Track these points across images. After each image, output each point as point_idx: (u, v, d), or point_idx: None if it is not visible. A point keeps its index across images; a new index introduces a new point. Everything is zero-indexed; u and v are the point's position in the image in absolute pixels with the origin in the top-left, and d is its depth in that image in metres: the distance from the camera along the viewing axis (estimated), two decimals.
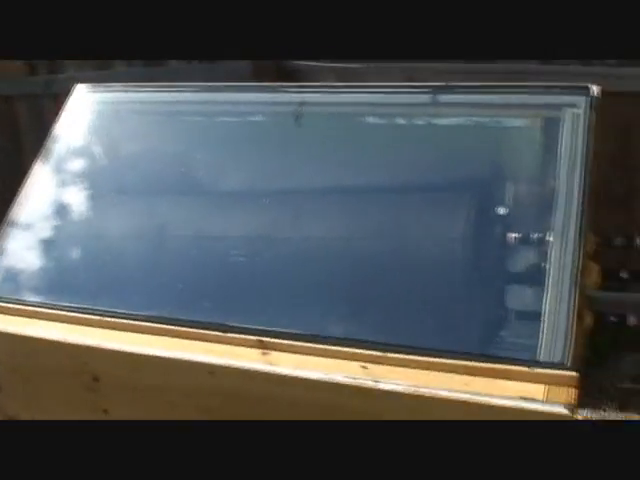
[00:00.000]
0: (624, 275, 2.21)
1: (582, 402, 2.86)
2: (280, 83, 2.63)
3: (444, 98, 2.23)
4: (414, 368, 1.76)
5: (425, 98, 2.26)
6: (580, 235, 1.82)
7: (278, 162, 2.30)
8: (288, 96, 2.41)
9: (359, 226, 2.11)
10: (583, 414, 2.88)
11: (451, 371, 1.73)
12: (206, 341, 1.92)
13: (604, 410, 2.89)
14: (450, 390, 1.66)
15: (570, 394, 1.63)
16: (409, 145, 2.27)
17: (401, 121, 2.32)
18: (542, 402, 1.61)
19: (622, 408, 2.91)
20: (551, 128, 2.07)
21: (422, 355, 1.76)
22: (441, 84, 2.21)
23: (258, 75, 3.26)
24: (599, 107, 2.12)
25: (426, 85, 2.25)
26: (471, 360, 1.74)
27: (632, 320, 2.18)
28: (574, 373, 1.65)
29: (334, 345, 1.81)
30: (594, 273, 2.15)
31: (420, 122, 2.30)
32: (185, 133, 2.46)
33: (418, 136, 2.27)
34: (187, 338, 1.94)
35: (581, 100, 2.02)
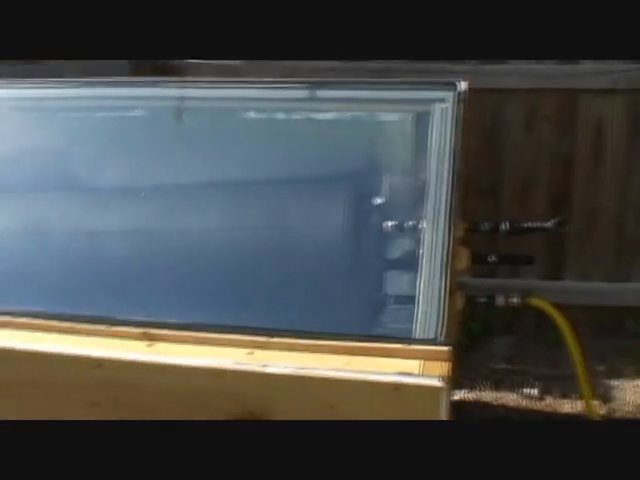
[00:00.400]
0: (492, 258, 2.34)
1: (459, 383, 3.06)
2: (160, 78, 2.63)
3: (321, 93, 2.30)
4: (299, 351, 1.82)
5: (303, 93, 2.33)
6: (449, 222, 1.93)
7: (158, 156, 2.32)
8: (168, 91, 2.42)
9: (241, 218, 2.17)
10: (460, 394, 3.03)
11: (333, 352, 1.80)
12: (92, 335, 1.92)
13: (480, 390, 3.05)
14: (334, 370, 1.73)
15: (444, 367, 1.72)
16: (288, 139, 2.33)
17: (280, 116, 2.39)
18: (418, 376, 1.70)
19: (496, 387, 3.07)
20: (422, 122, 2.18)
21: (306, 338, 1.82)
22: (318, 80, 2.28)
23: (136, 74, 3.25)
24: (466, 101, 2.25)
25: (304, 81, 2.32)
26: (352, 341, 1.81)
27: (500, 301, 2.32)
28: (447, 348, 1.75)
29: (219, 333, 1.84)
30: (464, 257, 2.28)
31: (298, 117, 2.37)
32: (64, 129, 2.44)
33: (297, 130, 2.34)
34: (72, 333, 1.92)
35: (449, 95, 2.12)
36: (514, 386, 3.06)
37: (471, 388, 3.07)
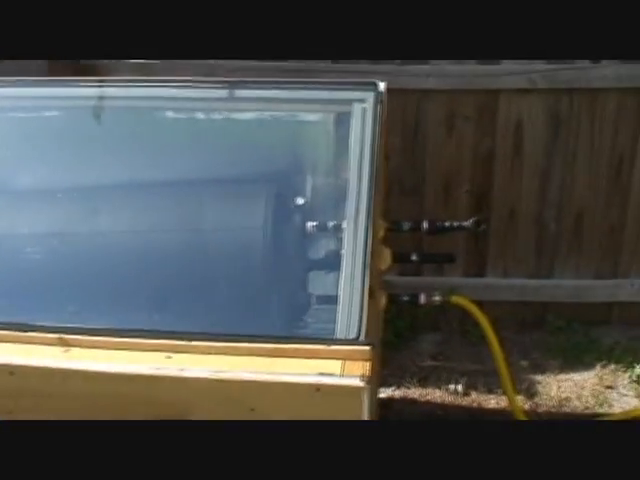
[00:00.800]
0: (414, 257, 2.36)
1: (386, 381, 3.08)
2: (79, 77, 2.56)
3: (241, 93, 2.28)
4: (218, 354, 1.80)
5: (223, 93, 2.30)
6: (369, 221, 1.93)
7: (76, 157, 2.27)
8: (86, 90, 2.36)
9: (160, 219, 2.13)
10: (387, 392, 3.05)
11: (255, 354, 1.79)
12: (5, 342, 1.86)
13: (406, 387, 3.08)
14: (254, 372, 1.72)
15: (364, 367, 1.72)
16: (208, 139, 2.31)
17: (200, 115, 2.36)
18: (339, 376, 1.70)
19: (423, 384, 3.10)
20: (342, 122, 2.18)
21: (225, 341, 1.80)
22: (238, 79, 2.26)
23: (53, 74, 3.17)
24: (385, 102, 2.27)
25: (224, 80, 2.29)
26: (273, 343, 1.80)
27: (423, 299, 2.34)
28: (367, 347, 1.75)
29: (137, 337, 1.81)
30: (387, 256, 2.30)
31: (218, 116, 2.35)
32: None
33: (217, 130, 2.32)
34: None
35: (369, 95, 2.12)
36: (440, 382, 3.10)
37: (398, 385, 3.10)
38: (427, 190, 3.25)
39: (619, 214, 3.29)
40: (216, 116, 2.35)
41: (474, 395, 3.03)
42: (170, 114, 2.34)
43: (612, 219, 3.31)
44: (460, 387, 3.04)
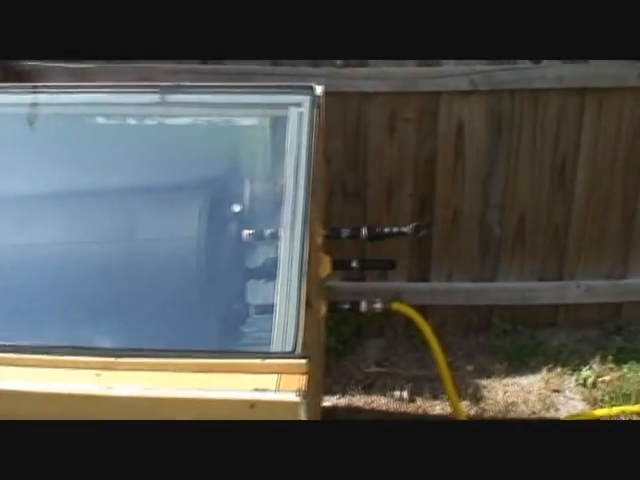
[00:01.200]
0: (354, 264, 2.32)
1: (330, 389, 3.03)
2: (10, 84, 2.47)
3: (175, 98, 2.20)
4: (150, 371, 1.73)
5: (156, 98, 2.22)
6: (306, 229, 1.88)
7: (6, 164, 2.18)
8: (19, 97, 2.28)
9: (90, 230, 2.05)
10: (332, 400, 3.00)
11: (187, 370, 1.72)
12: None
13: (351, 394, 3.03)
14: (185, 389, 1.66)
15: (301, 381, 1.67)
16: (141, 146, 2.24)
17: (133, 121, 2.28)
18: (274, 391, 1.65)
19: (368, 391, 3.06)
20: (279, 126, 2.12)
21: (156, 357, 1.74)
22: (172, 84, 2.19)
23: None
24: (322, 106, 2.22)
25: (157, 85, 2.22)
26: (205, 358, 1.74)
27: (364, 306, 2.29)
28: (303, 360, 1.70)
29: (64, 355, 1.73)
30: (326, 263, 2.25)
31: (152, 122, 2.28)
32: None
33: (150, 136, 2.25)
34: None
35: (305, 99, 2.08)
36: (385, 389, 3.06)
37: (343, 394, 3.05)
38: (370, 194, 3.20)
39: (564, 214, 3.28)
40: (149, 122, 2.28)
41: (419, 401, 2.99)
42: (102, 120, 2.27)
43: (556, 220, 3.30)
44: (405, 394, 3.00)
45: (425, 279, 3.37)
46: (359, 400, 3.01)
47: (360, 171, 3.16)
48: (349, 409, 2.96)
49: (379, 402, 3.00)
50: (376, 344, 3.38)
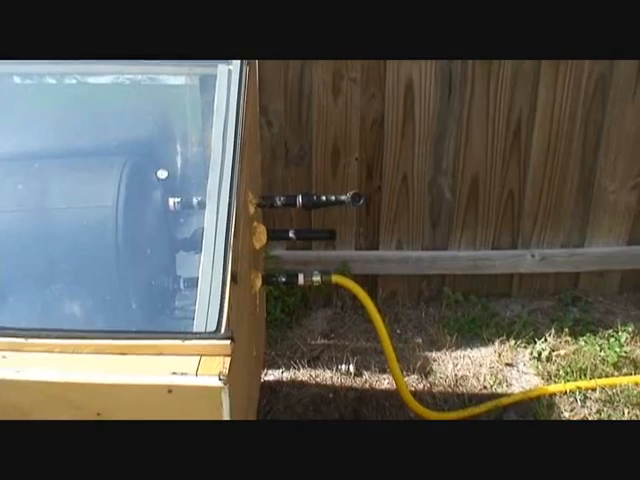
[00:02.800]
0: (292, 234, 2.17)
1: (275, 362, 2.90)
2: None
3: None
4: (62, 353, 1.58)
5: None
6: (233, 198, 1.73)
7: None
8: None
9: None
10: (276, 374, 2.87)
11: (102, 353, 1.58)
12: None
13: (296, 368, 2.90)
14: (99, 373, 1.52)
15: (224, 364, 1.54)
16: (60, 107, 2.07)
17: (51, 80, 2.10)
18: (194, 375, 1.51)
19: (313, 365, 2.93)
20: (207, 85, 1.96)
21: (69, 338, 1.59)
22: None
23: None
24: (256, 62, 2.06)
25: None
26: (123, 339, 1.59)
27: (301, 279, 2.15)
28: (227, 341, 1.56)
29: None
30: (261, 234, 2.10)
31: (71, 81, 2.10)
32: None
33: (69, 96, 2.08)
34: None
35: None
36: (331, 362, 2.93)
37: (287, 367, 2.92)
38: (314, 158, 3.04)
39: (518, 180, 3.15)
40: (68, 81, 2.10)
41: (366, 375, 2.87)
42: (18, 80, 2.09)
43: (511, 185, 3.17)
44: (351, 367, 2.88)
45: (374, 247, 3.23)
46: (304, 374, 2.88)
47: (304, 134, 3.00)
48: (293, 383, 2.83)
49: (324, 376, 2.87)
50: (323, 315, 3.24)
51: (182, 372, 1.52)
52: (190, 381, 1.51)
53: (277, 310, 3.12)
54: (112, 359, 1.56)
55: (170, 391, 1.51)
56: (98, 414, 1.54)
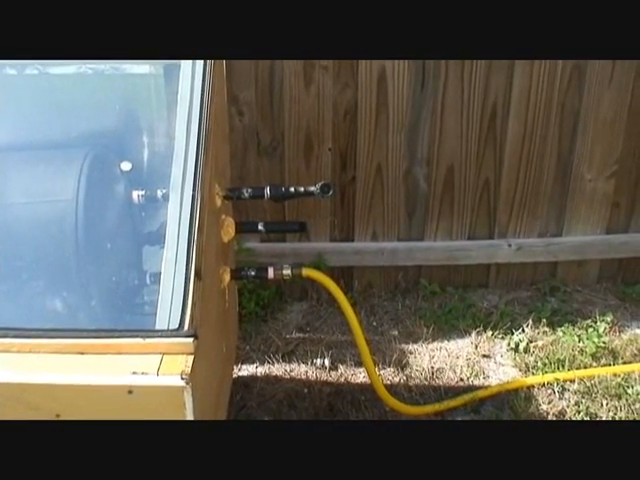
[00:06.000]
0: (261, 227, 2.11)
1: (249, 357, 2.85)
2: None
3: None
4: (19, 352, 1.53)
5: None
6: (197, 190, 1.67)
7: None
8: None
9: None
10: (250, 369, 2.82)
11: (60, 352, 1.52)
12: None
13: (270, 363, 2.85)
14: (56, 374, 1.47)
15: (186, 363, 1.49)
16: (19, 98, 2.00)
17: (10, 71, 2.04)
18: (155, 375, 1.46)
19: (288, 359, 2.88)
20: (172, 75, 1.90)
21: (25, 337, 1.53)
22: None
23: None
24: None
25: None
26: (81, 338, 1.54)
27: (271, 273, 2.10)
28: (190, 339, 1.51)
29: None
30: (229, 227, 2.04)
31: (32, 71, 2.03)
32: None
33: (30, 87, 2.01)
34: None
35: None
36: (306, 357, 2.88)
37: (262, 362, 2.86)
38: (287, 148, 2.97)
39: (494, 168, 3.11)
40: (29, 71, 2.03)
41: (342, 369, 2.82)
42: None
43: (486, 174, 3.12)
44: (327, 361, 2.83)
45: (349, 239, 3.18)
46: (278, 369, 2.83)
47: (276, 124, 2.93)
48: (267, 378, 2.78)
49: (299, 370, 2.82)
50: (299, 308, 3.19)
51: (142, 372, 1.48)
52: (151, 381, 1.46)
53: (251, 303, 3.07)
54: (71, 359, 1.52)
55: (130, 392, 1.47)
56: (57, 415, 1.49)
